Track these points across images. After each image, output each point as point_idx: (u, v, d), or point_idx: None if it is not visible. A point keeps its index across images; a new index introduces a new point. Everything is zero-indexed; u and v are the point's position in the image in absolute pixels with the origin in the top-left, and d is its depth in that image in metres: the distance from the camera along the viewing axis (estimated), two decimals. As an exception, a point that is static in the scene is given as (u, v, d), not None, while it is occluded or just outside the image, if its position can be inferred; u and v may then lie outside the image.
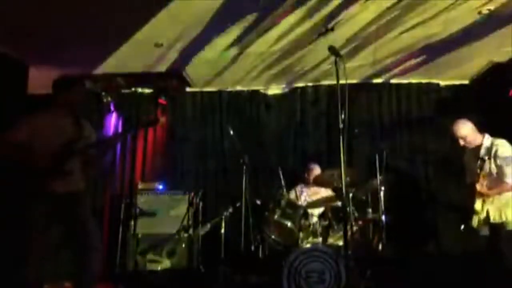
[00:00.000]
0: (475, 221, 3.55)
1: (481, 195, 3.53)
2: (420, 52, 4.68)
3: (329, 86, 5.50)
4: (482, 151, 3.62)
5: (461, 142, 3.72)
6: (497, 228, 3.48)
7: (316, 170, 4.73)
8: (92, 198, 5.01)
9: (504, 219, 3.47)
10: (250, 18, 3.95)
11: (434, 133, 5.30)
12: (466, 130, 3.71)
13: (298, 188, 4.69)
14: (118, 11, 3.78)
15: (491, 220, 3.49)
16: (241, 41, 4.39)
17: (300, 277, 3.40)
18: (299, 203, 4.21)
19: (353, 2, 3.70)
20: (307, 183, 4.74)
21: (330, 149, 5.34)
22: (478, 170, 3.50)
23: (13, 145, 2.95)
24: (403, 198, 4.99)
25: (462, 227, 3.62)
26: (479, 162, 3.53)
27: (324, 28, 4.11)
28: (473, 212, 3.56)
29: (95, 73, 5.13)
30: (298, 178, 4.95)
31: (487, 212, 3.52)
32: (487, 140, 3.68)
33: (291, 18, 3.96)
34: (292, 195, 4.60)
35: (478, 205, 3.55)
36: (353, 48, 4.52)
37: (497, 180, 3.51)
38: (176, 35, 4.26)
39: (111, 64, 4.92)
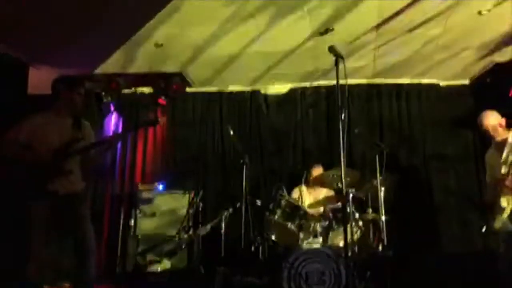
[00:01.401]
0: (499, 222, 3.33)
1: (508, 191, 3.31)
2: (420, 51, 4.69)
3: (329, 86, 5.49)
4: (507, 147, 3.40)
5: (490, 132, 3.54)
6: None
7: (319, 171, 4.73)
8: (92, 198, 5.01)
9: None
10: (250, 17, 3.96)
11: (434, 133, 5.30)
12: (491, 120, 3.54)
13: (301, 188, 4.69)
14: (118, 11, 3.78)
15: None
16: (242, 41, 4.40)
17: (300, 278, 3.40)
18: (303, 203, 4.20)
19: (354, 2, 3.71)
20: (308, 183, 4.74)
21: (330, 149, 5.34)
22: (506, 163, 3.33)
23: (13, 145, 2.95)
24: (403, 198, 4.99)
25: (484, 228, 3.42)
26: (506, 153, 3.35)
27: (325, 27, 4.11)
28: (498, 211, 3.33)
29: (95, 73, 5.13)
30: (298, 178, 4.95)
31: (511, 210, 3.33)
32: None
33: (291, 18, 3.96)
34: (296, 194, 4.59)
35: (504, 202, 3.33)
36: (353, 48, 4.51)
37: None
38: (176, 35, 4.26)
39: (111, 64, 4.92)
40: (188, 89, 5.67)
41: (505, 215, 3.30)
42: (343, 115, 2.63)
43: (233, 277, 3.82)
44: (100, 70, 5.08)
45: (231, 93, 5.75)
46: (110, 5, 3.68)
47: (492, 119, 3.55)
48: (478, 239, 4.54)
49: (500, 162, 3.41)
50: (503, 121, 3.55)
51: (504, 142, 3.44)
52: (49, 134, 3.00)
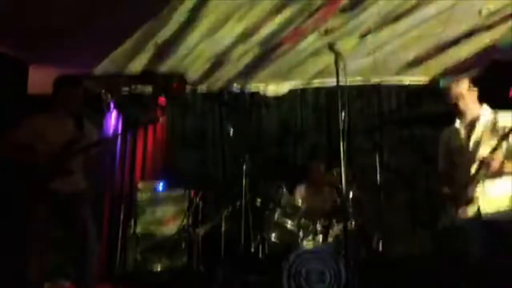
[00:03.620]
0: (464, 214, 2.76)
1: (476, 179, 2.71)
2: (420, 51, 4.69)
3: (329, 85, 5.49)
4: (481, 124, 2.82)
5: (460, 105, 2.88)
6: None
7: (319, 169, 4.74)
8: (92, 198, 5.01)
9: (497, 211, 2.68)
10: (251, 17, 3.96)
11: (434, 131, 5.29)
12: (466, 87, 2.91)
13: (302, 188, 4.69)
14: (118, 10, 3.78)
15: (482, 213, 2.70)
16: (242, 40, 4.40)
17: (300, 277, 3.40)
18: (303, 202, 4.21)
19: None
20: (308, 182, 4.75)
21: (330, 149, 5.34)
22: (478, 145, 2.75)
23: (14, 145, 2.95)
24: (403, 197, 4.99)
25: (440, 225, 2.94)
26: (477, 133, 2.79)
27: (324, 27, 4.12)
28: (469, 202, 2.73)
29: (95, 73, 5.13)
30: (298, 177, 4.95)
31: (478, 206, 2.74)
32: (486, 111, 2.89)
33: (291, 17, 3.97)
34: (296, 194, 4.60)
35: (472, 191, 2.72)
36: (353, 47, 4.51)
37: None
38: (176, 34, 4.26)
39: (111, 64, 4.92)
40: (187, 89, 5.67)
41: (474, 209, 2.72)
42: (343, 115, 2.63)
43: (233, 277, 3.83)
44: (100, 69, 5.08)
45: (231, 92, 5.76)
46: (110, 5, 3.68)
47: (463, 87, 2.91)
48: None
49: (467, 144, 2.83)
50: (475, 93, 2.93)
51: (475, 119, 2.88)
52: (51, 134, 3.00)
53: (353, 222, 3.74)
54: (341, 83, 2.63)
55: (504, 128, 2.67)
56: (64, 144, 3.00)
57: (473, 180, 2.72)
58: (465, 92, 2.90)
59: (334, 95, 2.81)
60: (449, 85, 2.97)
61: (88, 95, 4.68)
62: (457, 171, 2.87)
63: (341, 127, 2.56)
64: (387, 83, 5.50)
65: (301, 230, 3.83)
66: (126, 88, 5.65)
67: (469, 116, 2.91)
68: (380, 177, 4.09)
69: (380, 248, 3.85)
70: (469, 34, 4.28)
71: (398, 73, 5.32)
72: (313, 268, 3.41)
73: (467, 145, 2.84)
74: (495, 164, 2.66)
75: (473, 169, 2.73)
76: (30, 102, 4.58)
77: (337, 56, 2.68)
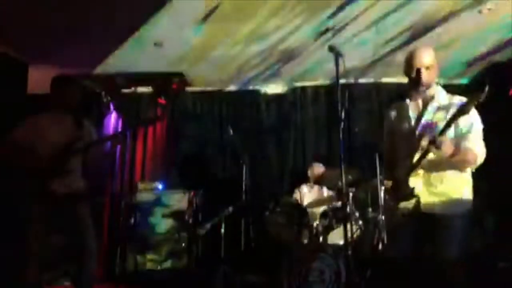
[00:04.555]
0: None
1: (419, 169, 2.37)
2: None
3: (329, 85, 5.50)
4: (434, 107, 2.46)
5: (424, 75, 2.42)
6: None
7: (319, 170, 4.73)
8: (92, 198, 5.02)
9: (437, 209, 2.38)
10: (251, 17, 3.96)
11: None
12: (433, 58, 2.48)
13: (302, 188, 4.69)
14: (118, 10, 3.78)
15: (422, 206, 2.39)
16: (241, 40, 4.40)
17: (300, 277, 3.40)
18: (303, 203, 4.20)
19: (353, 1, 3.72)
20: (309, 183, 4.75)
21: (330, 149, 5.34)
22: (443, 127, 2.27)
23: (13, 145, 2.95)
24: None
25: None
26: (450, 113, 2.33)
27: (324, 27, 4.12)
28: (410, 195, 2.40)
29: (95, 73, 5.13)
30: (298, 177, 4.95)
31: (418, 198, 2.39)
32: (442, 94, 2.52)
33: (292, 17, 3.96)
34: (296, 195, 4.60)
35: (413, 182, 2.38)
36: (353, 47, 4.51)
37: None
38: (176, 34, 4.26)
39: (111, 64, 4.92)
40: (187, 89, 5.68)
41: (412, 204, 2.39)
42: (343, 114, 2.62)
43: (233, 276, 3.83)
44: (100, 69, 5.08)
45: (230, 92, 5.76)
46: (110, 4, 3.69)
47: (432, 56, 2.47)
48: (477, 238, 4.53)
49: (415, 126, 2.47)
50: (437, 68, 2.52)
51: (427, 100, 2.49)
52: (50, 134, 3.00)
53: (353, 222, 3.74)
54: (341, 83, 2.63)
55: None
56: (64, 144, 2.99)
57: (414, 168, 2.38)
58: (430, 63, 2.45)
59: (334, 94, 2.80)
60: (415, 51, 2.51)
61: (87, 94, 4.70)
62: (399, 156, 2.53)
63: (341, 127, 2.55)
64: (387, 82, 5.52)
65: (301, 230, 3.83)
66: (126, 89, 5.66)
67: (423, 94, 2.50)
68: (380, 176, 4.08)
69: (380, 248, 3.84)
70: (469, 34, 4.29)
71: (398, 73, 5.32)
72: (313, 267, 3.41)
73: (415, 127, 2.47)
74: (445, 148, 2.23)
75: (416, 156, 2.36)
76: (30, 102, 4.58)
77: (337, 56, 2.68)
